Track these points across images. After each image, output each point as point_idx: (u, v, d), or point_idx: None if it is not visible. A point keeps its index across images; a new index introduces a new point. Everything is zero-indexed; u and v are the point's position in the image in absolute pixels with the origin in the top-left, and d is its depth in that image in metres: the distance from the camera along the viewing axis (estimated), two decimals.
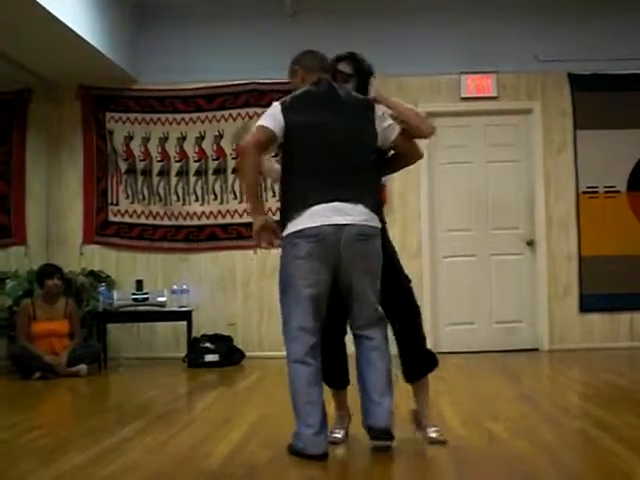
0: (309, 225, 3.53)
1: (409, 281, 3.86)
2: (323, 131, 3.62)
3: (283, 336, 3.65)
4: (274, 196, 7.79)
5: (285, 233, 3.61)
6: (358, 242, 3.54)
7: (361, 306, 3.65)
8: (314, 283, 3.55)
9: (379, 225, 3.65)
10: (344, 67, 3.87)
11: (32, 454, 3.79)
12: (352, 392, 3.83)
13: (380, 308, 3.68)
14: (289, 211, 3.61)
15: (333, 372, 3.87)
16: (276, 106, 3.67)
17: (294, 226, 3.57)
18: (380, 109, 3.72)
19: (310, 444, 3.51)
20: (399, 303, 3.78)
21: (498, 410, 4.66)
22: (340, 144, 3.62)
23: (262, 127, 3.62)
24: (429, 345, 3.92)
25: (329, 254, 3.54)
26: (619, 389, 5.46)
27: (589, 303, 7.86)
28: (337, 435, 3.87)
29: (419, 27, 7.95)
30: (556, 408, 4.72)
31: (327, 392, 3.83)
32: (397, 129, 3.72)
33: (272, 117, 3.64)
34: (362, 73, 3.89)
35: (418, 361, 3.81)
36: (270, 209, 7.66)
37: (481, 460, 3.44)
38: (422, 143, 3.91)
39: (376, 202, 3.69)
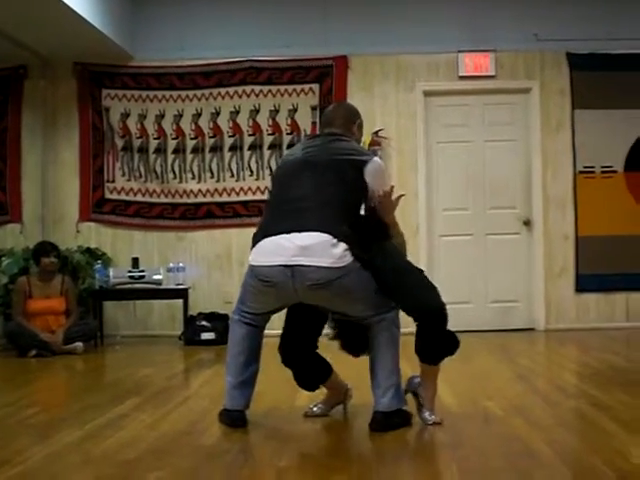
0: (259, 263, 3.54)
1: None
2: (292, 179, 3.66)
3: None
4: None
5: (250, 258, 3.63)
6: (318, 290, 3.45)
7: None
8: (262, 309, 3.71)
9: (346, 261, 3.43)
10: None
11: (28, 431, 3.79)
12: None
13: (376, 310, 3.59)
14: (253, 240, 3.65)
15: (304, 377, 3.93)
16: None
17: (252, 258, 3.60)
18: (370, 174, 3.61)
19: (227, 397, 3.74)
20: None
21: (494, 389, 4.67)
22: (306, 183, 3.60)
23: None
24: None
25: (285, 296, 3.57)
26: (615, 369, 5.46)
27: (585, 283, 7.87)
28: (314, 409, 3.95)
29: (417, 5, 7.88)
30: (552, 387, 4.73)
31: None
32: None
33: None
34: None
35: (438, 344, 3.62)
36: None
37: (477, 439, 3.44)
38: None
39: (349, 231, 3.49)
